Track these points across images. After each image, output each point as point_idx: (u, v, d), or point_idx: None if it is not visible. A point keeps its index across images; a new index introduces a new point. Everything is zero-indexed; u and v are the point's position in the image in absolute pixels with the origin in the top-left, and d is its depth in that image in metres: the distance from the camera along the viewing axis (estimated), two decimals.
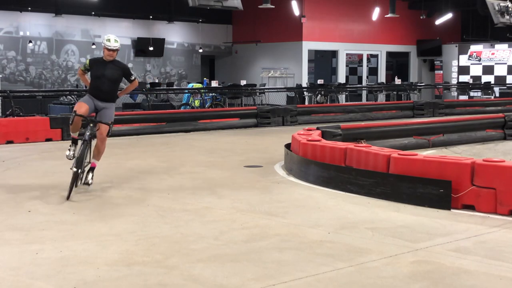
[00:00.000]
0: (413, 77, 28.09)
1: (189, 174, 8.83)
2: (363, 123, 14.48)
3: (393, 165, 7.28)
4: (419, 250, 5.15)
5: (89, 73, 7.65)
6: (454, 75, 27.44)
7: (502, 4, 21.01)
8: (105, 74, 7.42)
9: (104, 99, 7.54)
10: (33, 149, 11.41)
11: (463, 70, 27.23)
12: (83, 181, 7.46)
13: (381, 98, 24.93)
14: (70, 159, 7.49)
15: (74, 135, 7.64)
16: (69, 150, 7.57)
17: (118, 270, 4.59)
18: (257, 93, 20.69)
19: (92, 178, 7.44)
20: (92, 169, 7.52)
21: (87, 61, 7.60)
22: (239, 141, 13.01)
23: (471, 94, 25.65)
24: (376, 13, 24.52)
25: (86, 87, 8.41)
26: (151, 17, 23.99)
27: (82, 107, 7.40)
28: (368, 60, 27.28)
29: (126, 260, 4.82)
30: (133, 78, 7.71)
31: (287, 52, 24.41)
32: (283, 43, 24.46)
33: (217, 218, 6.22)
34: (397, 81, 24.50)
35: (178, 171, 9.10)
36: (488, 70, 26.65)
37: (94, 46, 22.87)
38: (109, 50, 7.39)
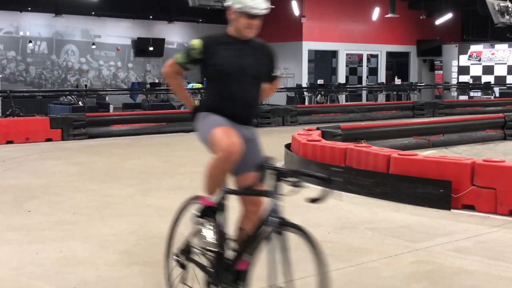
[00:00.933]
0: (413, 77, 28.09)
1: (189, 174, 8.82)
2: (363, 123, 14.48)
3: (393, 165, 7.28)
4: (419, 250, 5.14)
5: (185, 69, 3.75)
6: (454, 75, 27.44)
7: (502, 4, 21.01)
8: (244, 67, 3.64)
9: (247, 120, 3.74)
10: (33, 149, 11.41)
11: (463, 70, 27.22)
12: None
13: (381, 98, 24.92)
14: (214, 249, 3.50)
15: (213, 197, 3.59)
16: (205, 228, 3.53)
17: (118, 270, 4.59)
18: None
19: None
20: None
21: (198, 42, 3.65)
22: None
23: (471, 94, 25.64)
24: (376, 13, 24.51)
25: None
26: (151, 17, 23.99)
27: (233, 135, 3.52)
28: (368, 60, 27.27)
29: (126, 260, 4.82)
30: (277, 73, 3.89)
31: (287, 52, 24.40)
32: (283, 43, 24.44)
33: None
34: (397, 81, 24.49)
35: (178, 171, 9.10)
36: (488, 70, 26.64)
37: (94, 46, 22.87)
38: (251, 16, 3.67)
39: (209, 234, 3.50)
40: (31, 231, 5.67)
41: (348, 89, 23.62)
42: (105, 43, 23.31)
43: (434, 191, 6.70)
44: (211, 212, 3.57)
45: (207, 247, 3.51)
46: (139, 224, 5.97)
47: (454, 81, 27.18)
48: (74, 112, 14.16)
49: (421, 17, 25.99)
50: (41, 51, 22.01)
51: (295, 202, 6.93)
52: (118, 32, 23.65)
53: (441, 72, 27.78)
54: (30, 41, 21.61)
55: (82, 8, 21.58)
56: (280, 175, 3.25)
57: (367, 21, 25.36)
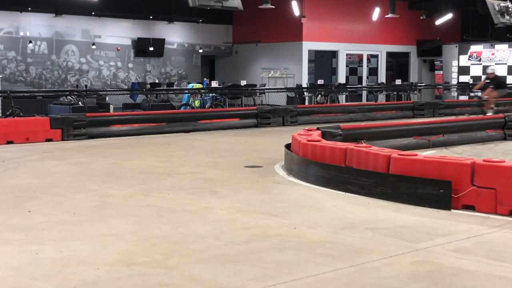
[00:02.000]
0: (413, 78, 28.10)
1: (189, 174, 8.82)
2: (363, 124, 14.48)
3: (393, 165, 7.27)
4: (419, 250, 5.14)
5: None
6: (454, 75, 27.43)
7: (502, 4, 21.00)
8: None
9: None
10: (33, 149, 11.41)
11: (463, 70, 27.22)
12: None
13: (381, 98, 24.92)
14: None
15: None
16: None
17: (118, 270, 4.59)
18: (257, 93, 20.70)
19: None
20: None
21: None
22: (239, 141, 13.01)
23: (471, 94, 25.62)
24: (376, 13, 24.51)
25: None
26: (151, 17, 23.99)
27: None
28: (368, 60, 27.28)
29: (126, 260, 4.82)
30: None
31: (287, 52, 24.40)
32: (283, 43, 24.45)
33: (217, 218, 6.22)
34: (397, 81, 24.50)
35: (178, 171, 9.10)
36: None
37: (94, 46, 22.87)
38: None
39: None
40: (31, 231, 5.67)
41: (348, 89, 23.63)
42: (105, 43, 23.31)
43: (434, 191, 6.70)
44: None
45: None
46: (139, 224, 5.97)
47: (454, 81, 27.18)
48: (74, 112, 14.15)
49: (421, 17, 25.99)
50: (41, 51, 22.00)
51: (295, 202, 6.95)
52: (118, 32, 23.65)
53: (441, 72, 27.77)
54: (30, 41, 21.61)
55: (82, 8, 21.58)
56: None
57: (367, 21, 25.36)
